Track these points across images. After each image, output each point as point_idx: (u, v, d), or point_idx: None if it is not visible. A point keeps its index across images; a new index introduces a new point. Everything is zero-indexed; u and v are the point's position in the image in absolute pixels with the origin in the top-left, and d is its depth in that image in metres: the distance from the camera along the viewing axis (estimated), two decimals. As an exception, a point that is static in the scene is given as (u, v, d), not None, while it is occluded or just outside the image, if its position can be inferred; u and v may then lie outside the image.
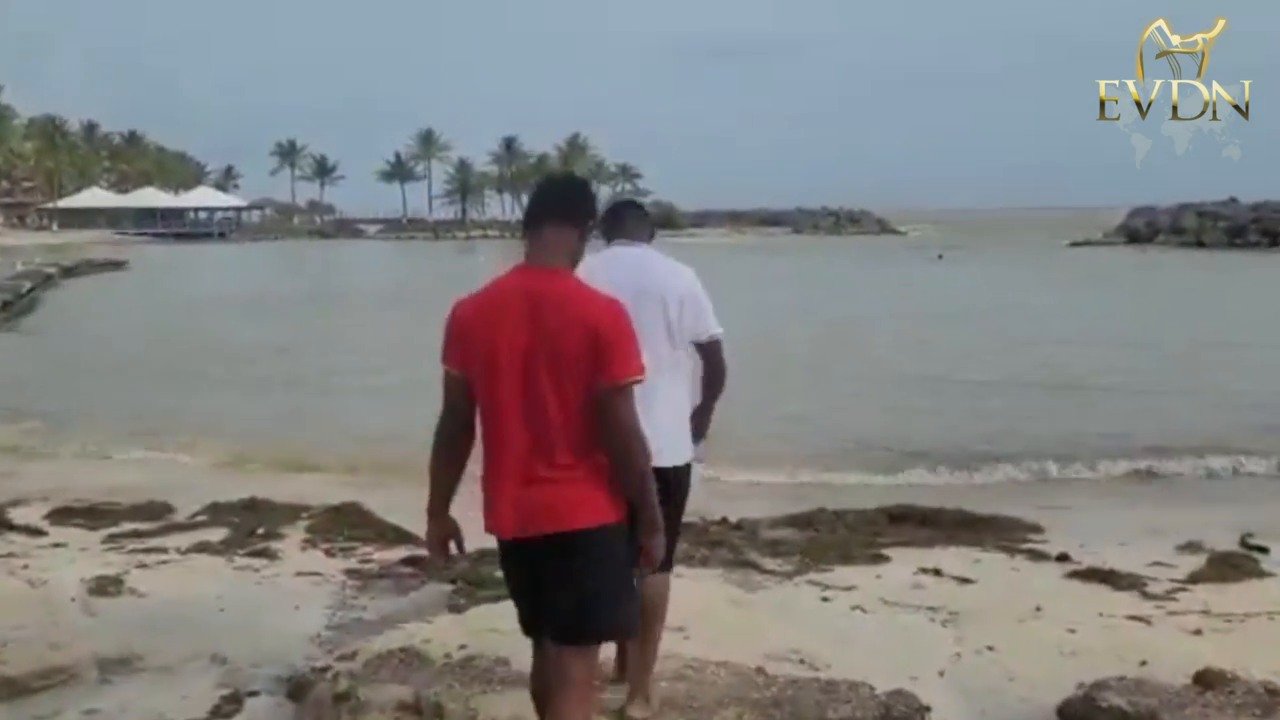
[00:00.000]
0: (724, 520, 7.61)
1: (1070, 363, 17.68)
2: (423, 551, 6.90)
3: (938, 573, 6.30)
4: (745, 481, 9.20)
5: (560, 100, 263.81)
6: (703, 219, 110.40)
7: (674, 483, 3.63)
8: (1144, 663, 4.73)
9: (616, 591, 2.87)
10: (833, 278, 41.35)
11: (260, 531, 7.28)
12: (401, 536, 7.20)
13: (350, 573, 6.43)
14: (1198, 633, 5.15)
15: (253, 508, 7.92)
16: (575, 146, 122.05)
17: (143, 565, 6.47)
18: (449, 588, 6.16)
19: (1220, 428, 11.65)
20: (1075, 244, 69.13)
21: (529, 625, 3.05)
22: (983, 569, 6.40)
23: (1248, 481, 9.65)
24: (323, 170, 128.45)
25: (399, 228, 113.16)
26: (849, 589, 6.03)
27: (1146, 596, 5.74)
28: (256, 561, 6.63)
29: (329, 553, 6.92)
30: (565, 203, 2.98)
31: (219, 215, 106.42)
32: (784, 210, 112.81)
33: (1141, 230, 67.59)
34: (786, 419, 12.37)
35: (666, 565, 3.50)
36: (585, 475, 2.79)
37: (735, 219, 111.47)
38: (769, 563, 6.62)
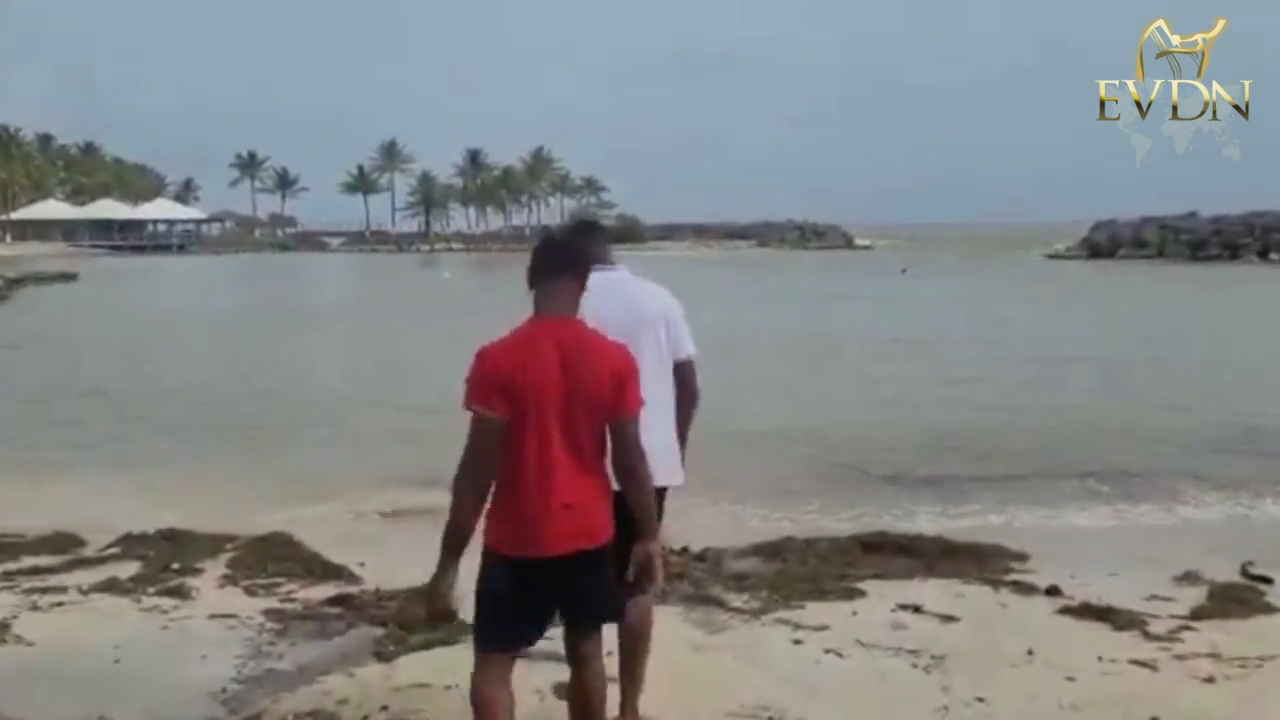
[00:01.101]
0: (684, 550, 7.02)
1: (1045, 380, 17.13)
2: (351, 589, 6.31)
3: (918, 610, 5.75)
4: (707, 506, 8.59)
5: (525, 113, 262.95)
6: (668, 232, 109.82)
7: (661, 504, 3.72)
8: (1155, 718, 4.22)
9: (615, 588, 3.43)
10: (799, 292, 40.77)
11: (175, 567, 6.60)
12: (330, 571, 6.56)
13: (270, 614, 5.78)
14: (1210, 680, 4.64)
15: (172, 539, 7.23)
16: (540, 159, 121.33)
17: (36, 608, 5.79)
18: (379, 631, 5.53)
19: (1208, 448, 11.18)
20: (1050, 256, 69.49)
21: (513, 639, 3.33)
22: (967, 605, 5.86)
23: (1237, 504, 9.13)
24: (284, 182, 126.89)
25: (362, 240, 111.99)
26: (822, 629, 5.48)
27: (1149, 637, 5.22)
28: (166, 601, 5.96)
29: (249, 590, 6.26)
30: (572, 259, 3.37)
31: (178, 228, 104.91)
32: (749, 224, 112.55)
33: (1104, 244, 67.96)
34: (750, 438, 11.64)
35: (652, 588, 3.63)
36: (602, 496, 3.26)
37: (700, 232, 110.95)
38: (734, 598, 6.04)
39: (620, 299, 3.75)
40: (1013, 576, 6.42)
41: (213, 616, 5.71)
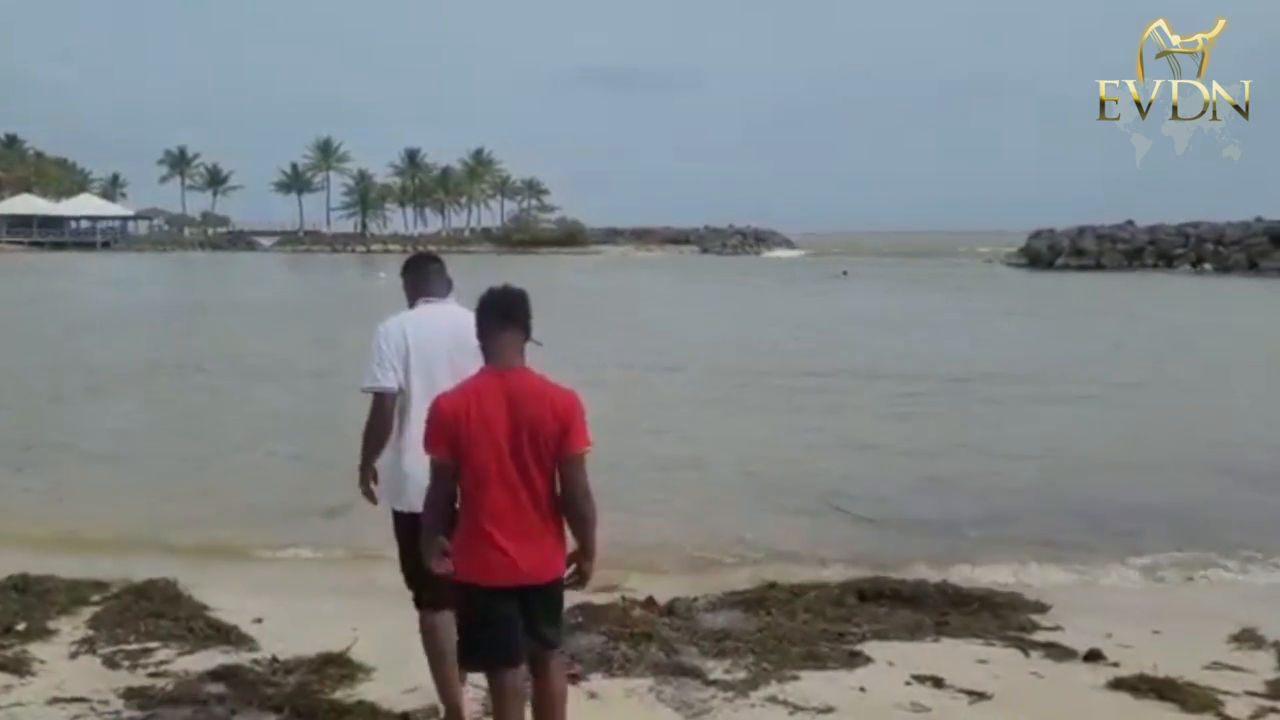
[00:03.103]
0: (650, 601, 5.92)
1: (1018, 398, 15.64)
2: (240, 658, 5.09)
3: (939, 683, 4.74)
4: (668, 548, 7.46)
5: (464, 116, 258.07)
6: (609, 236, 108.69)
7: None
8: None
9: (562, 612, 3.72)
10: (748, 298, 39.70)
11: (20, 628, 5.33)
12: (216, 632, 5.35)
13: (132, 695, 4.59)
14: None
15: (23, 588, 5.91)
16: (481, 160, 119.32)
17: None
18: (271, 719, 4.36)
19: (1212, 476, 10.24)
20: (988, 261, 69.73)
21: (507, 653, 3.53)
22: (995, 675, 4.84)
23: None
24: (215, 180, 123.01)
25: (295, 240, 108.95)
26: (826, 711, 4.44)
27: (1227, 722, 4.23)
28: None
29: (110, 660, 5.03)
30: (516, 312, 3.53)
31: (102, 224, 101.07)
32: (692, 228, 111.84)
33: (1043, 252, 68.16)
34: (707, 472, 10.39)
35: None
36: (558, 530, 3.51)
37: (641, 236, 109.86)
38: (713, 667, 4.97)
39: (449, 330, 3.94)
40: (1041, 636, 5.41)
41: (54, 701, 4.51)
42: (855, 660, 5.05)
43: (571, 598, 6.04)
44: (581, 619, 5.56)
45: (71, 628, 5.45)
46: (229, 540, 7.47)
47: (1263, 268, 56.22)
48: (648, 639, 5.28)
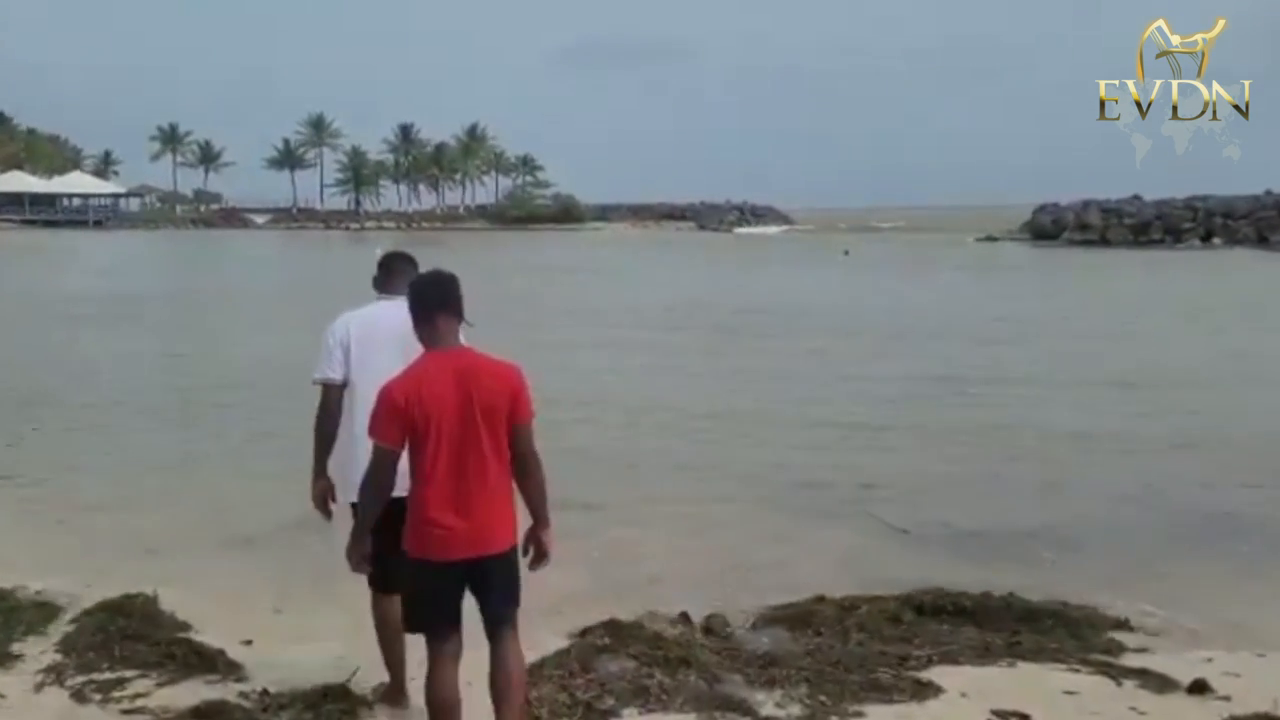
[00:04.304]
0: (684, 617, 5.32)
1: (1055, 381, 15.02)
2: (226, 691, 4.48)
3: (1025, 720, 4.13)
4: (698, 554, 6.81)
5: (459, 93, 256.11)
6: (606, 212, 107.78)
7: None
8: None
9: (518, 583, 3.67)
10: (756, 276, 38.93)
11: (-21, 654, 4.73)
12: (201, 658, 4.73)
13: (102, 738, 3.98)
14: None
15: (-16, 606, 5.32)
16: (475, 136, 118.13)
17: None
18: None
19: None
20: (980, 240, 68.81)
21: (446, 624, 3.58)
22: (1091, 711, 4.26)
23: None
24: (208, 156, 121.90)
25: (289, 217, 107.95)
26: (902, 758, 3.83)
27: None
28: (-50, 719, 4.12)
29: (78, 693, 4.43)
30: (450, 298, 3.62)
31: (94, 202, 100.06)
32: (688, 204, 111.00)
33: (1048, 227, 67.41)
34: (737, 464, 9.61)
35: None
36: (509, 501, 3.57)
37: (638, 212, 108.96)
38: (763, 700, 4.39)
39: (403, 326, 3.78)
40: (1130, 660, 4.81)
41: (12, 750, 3.89)
42: (924, 691, 4.46)
43: (595, 613, 5.50)
44: (609, 639, 4.97)
45: (39, 651, 4.85)
46: (217, 549, 6.82)
47: (1272, 241, 55.55)
48: (686, 665, 4.68)
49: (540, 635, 4.93)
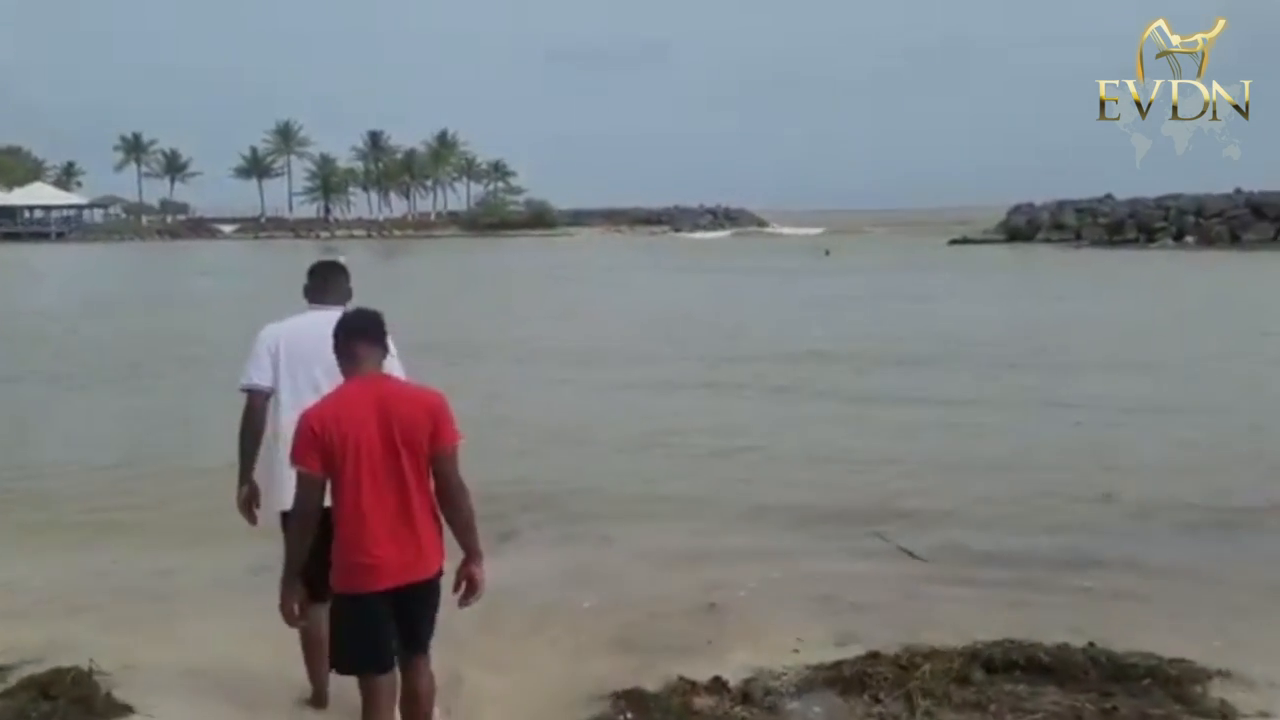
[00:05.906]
0: (717, 682, 4.53)
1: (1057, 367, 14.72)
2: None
3: (1151, 818, 3.37)
4: (728, 609, 5.73)
5: (428, 99, 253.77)
6: (579, 217, 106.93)
7: None
8: None
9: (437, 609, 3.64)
10: (741, 283, 37.99)
11: None
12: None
13: None
14: None
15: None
16: (445, 143, 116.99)
17: None
18: None
19: None
20: (954, 241, 68.32)
21: (382, 663, 3.50)
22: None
23: None
24: (173, 166, 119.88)
25: (257, 227, 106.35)
26: None
27: None
28: None
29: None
30: (372, 329, 3.59)
31: (56, 214, 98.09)
32: (662, 209, 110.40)
33: (1023, 227, 67.18)
34: (752, 487, 8.74)
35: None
36: (435, 528, 3.51)
37: (611, 217, 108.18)
38: (827, 792, 3.59)
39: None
40: (1249, 727, 4.07)
41: None
42: (1015, 776, 3.71)
43: (614, 683, 4.68)
44: (630, 715, 4.19)
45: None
46: (165, 606, 5.87)
47: (1245, 240, 55.46)
48: (727, 745, 3.91)
49: (550, 712, 4.15)
